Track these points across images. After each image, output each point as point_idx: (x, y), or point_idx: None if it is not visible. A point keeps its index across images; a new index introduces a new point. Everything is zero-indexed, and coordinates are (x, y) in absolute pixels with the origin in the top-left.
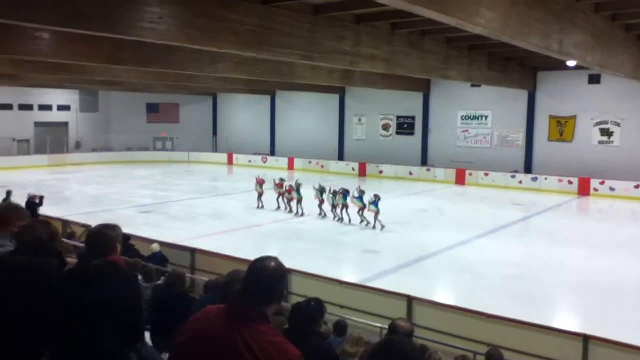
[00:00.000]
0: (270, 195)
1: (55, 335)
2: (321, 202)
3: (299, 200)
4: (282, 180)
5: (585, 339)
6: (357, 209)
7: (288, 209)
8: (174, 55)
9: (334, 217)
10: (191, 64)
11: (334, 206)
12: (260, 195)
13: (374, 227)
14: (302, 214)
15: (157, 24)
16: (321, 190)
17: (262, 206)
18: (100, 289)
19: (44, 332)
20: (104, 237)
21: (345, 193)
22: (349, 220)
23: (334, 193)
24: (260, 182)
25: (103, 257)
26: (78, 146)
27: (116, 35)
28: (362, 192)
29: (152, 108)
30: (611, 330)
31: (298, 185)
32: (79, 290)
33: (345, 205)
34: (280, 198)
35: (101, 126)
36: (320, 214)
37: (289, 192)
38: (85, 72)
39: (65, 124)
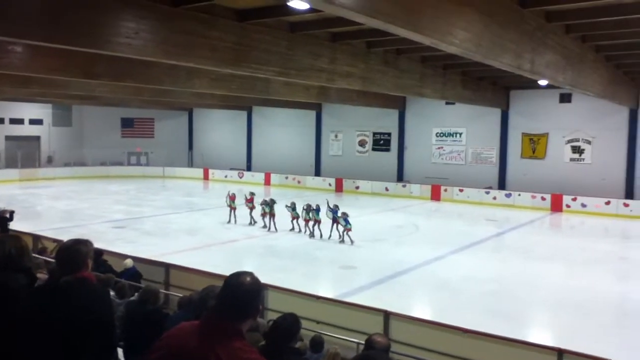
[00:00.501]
0: (243, 210)
1: (23, 353)
2: (294, 218)
3: (272, 216)
4: (252, 194)
5: (560, 353)
6: (330, 222)
7: (262, 224)
8: (149, 70)
9: (306, 231)
10: (167, 79)
11: (306, 221)
12: (233, 210)
13: (342, 240)
14: (275, 230)
15: (134, 39)
16: (293, 207)
17: (235, 221)
18: (71, 306)
19: (11, 349)
20: (75, 252)
21: (318, 209)
22: (321, 235)
23: (308, 208)
24: (232, 198)
25: (74, 273)
26: (50, 161)
27: (92, 50)
28: (336, 207)
29: (127, 123)
30: (586, 345)
31: (272, 202)
32: (48, 306)
33: (317, 221)
34: (252, 212)
35: (74, 141)
36: (293, 229)
37: (262, 207)
38: (58, 86)
39: (38, 138)
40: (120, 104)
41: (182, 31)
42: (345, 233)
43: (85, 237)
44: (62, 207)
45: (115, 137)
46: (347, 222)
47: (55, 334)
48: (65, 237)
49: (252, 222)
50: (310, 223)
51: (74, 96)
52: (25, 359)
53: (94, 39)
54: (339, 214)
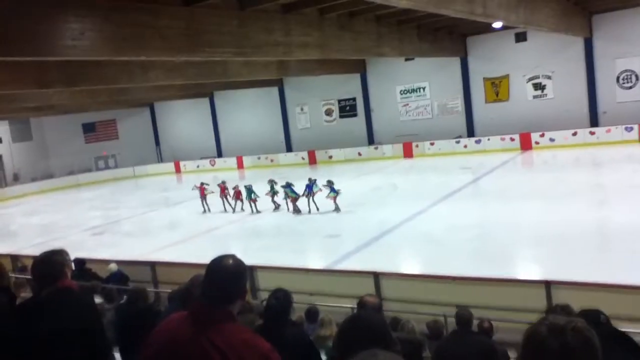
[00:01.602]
0: (216, 198)
1: None
2: (272, 195)
3: (254, 201)
4: (223, 182)
5: (547, 284)
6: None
7: (241, 207)
8: (103, 70)
9: (289, 209)
10: (122, 76)
11: (293, 200)
12: (204, 197)
13: (337, 209)
14: (258, 212)
15: (80, 40)
16: (271, 186)
17: (209, 209)
18: (56, 318)
19: None
20: (51, 263)
21: (290, 186)
22: (309, 210)
23: (286, 186)
24: (202, 189)
25: (54, 285)
26: (17, 178)
27: (38, 58)
28: (313, 180)
29: (88, 128)
30: (573, 274)
31: (249, 189)
32: (33, 322)
33: (294, 199)
34: (227, 198)
35: (38, 154)
36: (275, 208)
37: (238, 195)
38: (12, 100)
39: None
40: (79, 110)
41: (128, 24)
42: (334, 201)
43: (65, 248)
44: (37, 222)
45: (79, 144)
46: (332, 189)
47: (43, 347)
48: None
49: (240, 208)
50: (289, 201)
51: (31, 108)
52: None
53: (38, 46)
54: (325, 183)
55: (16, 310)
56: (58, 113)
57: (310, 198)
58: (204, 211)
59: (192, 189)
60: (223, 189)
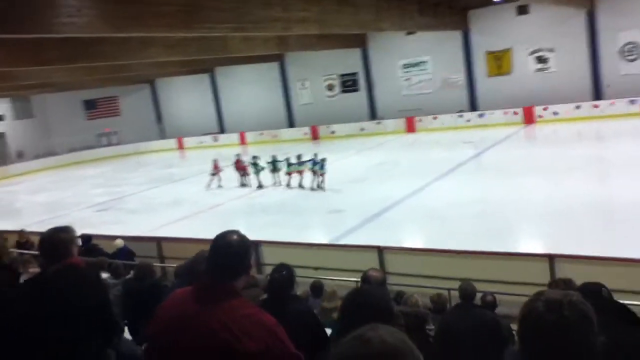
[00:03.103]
0: (230, 173)
1: (22, 348)
2: (273, 172)
3: (257, 172)
4: (237, 156)
5: (551, 258)
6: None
7: (256, 183)
8: (101, 47)
9: (289, 184)
10: (121, 53)
11: (289, 174)
12: (217, 173)
13: (318, 187)
14: (262, 187)
15: (77, 17)
16: (273, 164)
17: (221, 185)
18: (61, 294)
19: (8, 346)
20: (57, 241)
21: (288, 161)
22: (293, 185)
23: (288, 160)
24: (215, 166)
25: (60, 262)
26: (20, 155)
27: (36, 35)
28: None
29: (89, 105)
30: (576, 249)
31: (255, 160)
32: (39, 299)
33: (289, 173)
34: (243, 174)
35: (40, 131)
36: (275, 183)
37: (245, 169)
38: (12, 78)
39: (2, 135)
40: (80, 87)
41: (125, 1)
42: (320, 179)
43: (70, 225)
44: (42, 199)
45: (81, 121)
46: (322, 167)
47: (50, 324)
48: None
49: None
50: (297, 175)
51: (31, 86)
52: (26, 353)
53: (35, 24)
54: (318, 161)
55: (23, 286)
56: (58, 90)
57: (315, 175)
58: (217, 186)
59: (213, 160)
60: (239, 162)
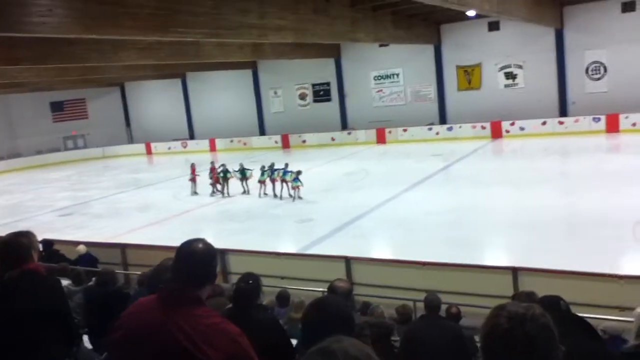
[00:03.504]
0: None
1: None
2: (241, 180)
3: (226, 180)
4: (212, 164)
5: (514, 271)
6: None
7: (226, 192)
8: (73, 48)
9: (260, 194)
10: (92, 55)
11: (261, 182)
12: (194, 179)
13: (290, 196)
14: (228, 195)
15: (48, 17)
16: (241, 172)
17: (197, 192)
18: (20, 300)
19: None
20: (17, 245)
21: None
22: (267, 193)
23: (263, 169)
24: (193, 170)
25: (20, 267)
26: None
27: (4, 34)
28: (271, 165)
29: (56, 107)
30: (541, 260)
31: (224, 169)
32: None
33: (262, 182)
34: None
35: (5, 132)
36: (244, 192)
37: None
38: None
39: None
40: (48, 88)
41: (98, 2)
42: (295, 191)
43: (32, 230)
44: (3, 202)
45: (47, 123)
46: (296, 179)
47: (10, 329)
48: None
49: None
50: (276, 183)
51: None
52: None
53: (5, 22)
54: (293, 173)
55: None
56: (25, 91)
57: (285, 185)
58: (193, 193)
59: (185, 162)
60: (214, 170)
